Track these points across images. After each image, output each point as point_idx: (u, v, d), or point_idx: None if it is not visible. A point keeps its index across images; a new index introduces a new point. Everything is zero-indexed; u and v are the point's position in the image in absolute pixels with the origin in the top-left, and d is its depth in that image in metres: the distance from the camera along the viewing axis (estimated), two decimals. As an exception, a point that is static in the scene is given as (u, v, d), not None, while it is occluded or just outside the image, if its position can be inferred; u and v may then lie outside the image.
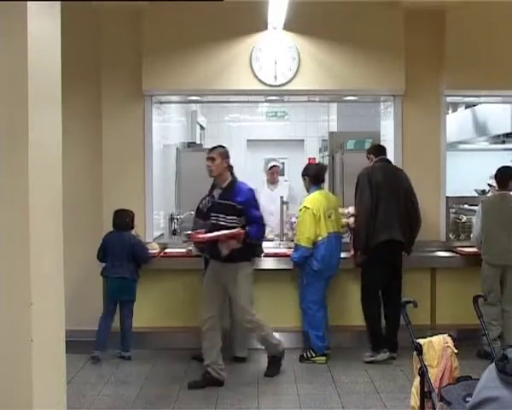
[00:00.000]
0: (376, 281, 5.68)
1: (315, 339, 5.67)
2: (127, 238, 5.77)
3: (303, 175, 5.89)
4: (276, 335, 5.54)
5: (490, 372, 1.79)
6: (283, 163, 11.07)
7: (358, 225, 5.68)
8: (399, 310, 5.62)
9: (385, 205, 5.60)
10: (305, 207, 5.62)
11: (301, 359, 5.71)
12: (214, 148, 5.22)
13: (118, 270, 5.71)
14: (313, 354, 5.67)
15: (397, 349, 5.71)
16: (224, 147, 5.25)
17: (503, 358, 1.75)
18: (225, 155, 5.16)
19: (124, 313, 5.79)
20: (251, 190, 5.19)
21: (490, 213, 5.69)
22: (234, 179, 5.17)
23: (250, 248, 5.13)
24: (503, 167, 5.90)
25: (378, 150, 5.98)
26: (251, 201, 5.12)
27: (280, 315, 6.06)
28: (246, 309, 5.14)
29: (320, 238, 5.58)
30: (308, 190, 5.82)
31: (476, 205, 6.35)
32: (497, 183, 5.84)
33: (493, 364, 1.78)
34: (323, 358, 5.66)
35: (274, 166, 7.67)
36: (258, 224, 5.10)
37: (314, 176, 5.80)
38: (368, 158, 5.98)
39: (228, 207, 5.04)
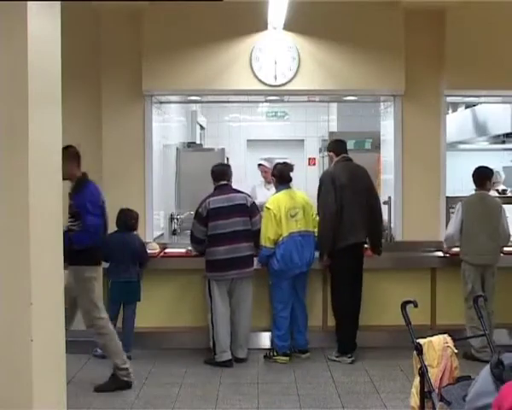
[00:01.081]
0: (346, 284, 5.64)
1: (275, 338, 5.70)
2: (132, 240, 5.75)
3: (271, 175, 6.01)
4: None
5: (487, 375, 1.78)
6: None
7: (323, 230, 5.60)
8: (359, 312, 5.68)
9: (350, 207, 5.56)
10: (266, 207, 5.67)
11: (264, 357, 5.73)
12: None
13: (123, 273, 5.68)
14: (275, 354, 5.69)
15: (355, 349, 5.71)
16: (71, 147, 4.90)
17: (499, 363, 1.73)
18: (72, 155, 4.88)
19: (127, 313, 5.78)
20: (92, 195, 4.93)
21: (469, 214, 5.68)
22: (80, 180, 4.93)
23: (82, 252, 4.83)
24: (480, 167, 5.91)
25: (339, 148, 5.86)
26: (86, 205, 4.83)
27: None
28: (87, 313, 4.96)
29: (281, 238, 5.59)
30: (276, 190, 5.86)
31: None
32: (475, 183, 5.83)
33: (490, 366, 1.77)
34: (285, 358, 5.66)
35: (260, 164, 7.70)
36: (87, 231, 4.83)
37: (279, 176, 5.83)
38: (328, 156, 5.92)
39: (69, 208, 4.87)
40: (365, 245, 5.75)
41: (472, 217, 5.67)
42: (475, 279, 5.65)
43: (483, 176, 5.81)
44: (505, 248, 5.91)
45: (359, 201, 5.62)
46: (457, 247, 5.83)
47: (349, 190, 5.58)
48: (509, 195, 7.81)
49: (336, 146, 5.90)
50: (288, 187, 5.81)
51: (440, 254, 6.17)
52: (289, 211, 5.63)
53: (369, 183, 5.77)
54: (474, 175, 5.85)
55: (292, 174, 5.91)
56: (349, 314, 5.69)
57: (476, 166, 5.91)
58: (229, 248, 5.49)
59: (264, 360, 5.71)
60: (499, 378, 1.70)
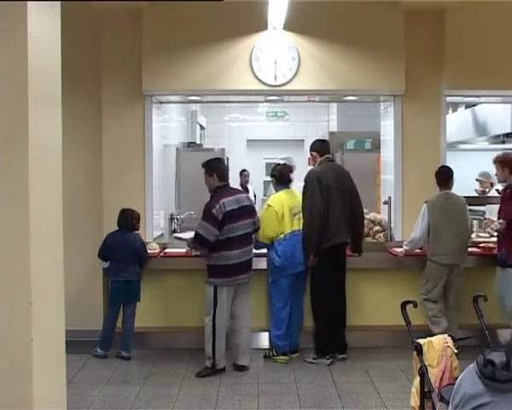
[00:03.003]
0: (328, 283, 5.64)
1: (274, 338, 5.71)
2: (133, 239, 5.76)
3: (270, 176, 6.04)
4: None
5: (473, 376, 1.76)
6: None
7: (310, 230, 5.56)
8: (345, 311, 5.68)
9: (335, 208, 5.58)
10: (268, 205, 5.73)
11: (265, 356, 5.74)
12: None
13: (123, 273, 5.69)
14: (274, 353, 5.70)
15: (346, 350, 5.72)
16: None
17: (487, 363, 1.72)
18: None
19: (127, 313, 5.79)
20: None
21: (435, 214, 5.69)
22: None
23: None
24: (442, 167, 5.95)
25: (323, 148, 5.87)
26: None
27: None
28: None
29: (282, 235, 5.62)
30: (275, 191, 5.91)
31: (477, 205, 6.33)
32: (438, 183, 5.84)
33: (474, 367, 1.75)
34: (284, 357, 5.67)
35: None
36: None
37: (279, 177, 5.87)
38: (311, 155, 5.86)
39: None
40: (347, 245, 5.75)
41: (438, 217, 5.69)
42: (439, 279, 5.69)
43: (446, 175, 5.83)
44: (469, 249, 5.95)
45: (343, 201, 5.65)
46: (420, 248, 5.85)
47: (334, 191, 5.60)
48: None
49: (320, 146, 5.89)
50: (288, 187, 5.84)
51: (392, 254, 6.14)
52: (292, 209, 5.66)
53: (351, 184, 5.78)
54: (436, 175, 5.87)
55: (292, 175, 5.93)
56: (328, 315, 5.66)
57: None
58: (241, 251, 5.34)
59: (264, 360, 5.71)
60: (491, 377, 1.69)
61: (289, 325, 5.73)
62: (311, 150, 5.91)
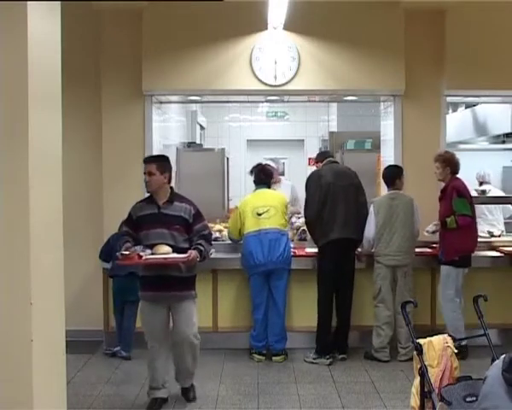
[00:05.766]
0: (328, 282, 5.67)
1: (250, 337, 5.80)
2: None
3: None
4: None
5: (497, 376, 1.75)
6: (283, 163, 11.11)
7: (308, 229, 5.84)
8: (349, 312, 5.70)
9: (333, 204, 5.63)
10: (236, 207, 6.08)
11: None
12: None
13: (127, 268, 5.66)
14: (252, 350, 5.79)
15: (347, 351, 5.74)
16: None
17: (510, 365, 1.70)
18: None
19: (127, 313, 5.77)
20: None
21: (380, 215, 5.68)
22: None
23: None
24: (388, 167, 5.98)
25: (323, 155, 6.11)
26: None
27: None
28: None
29: (246, 233, 5.75)
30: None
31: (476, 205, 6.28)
32: (386, 182, 5.88)
33: (500, 367, 1.74)
34: (260, 356, 5.72)
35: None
36: None
37: (255, 178, 6.03)
38: (316, 167, 6.03)
39: None
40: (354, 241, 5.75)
41: (383, 218, 5.68)
42: (384, 279, 5.69)
43: (392, 175, 5.84)
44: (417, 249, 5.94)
45: (346, 198, 5.68)
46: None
47: (334, 187, 5.66)
48: (503, 194, 7.74)
49: (321, 156, 6.15)
50: (262, 187, 5.94)
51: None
52: (257, 209, 5.75)
53: (356, 181, 5.82)
54: (383, 176, 5.91)
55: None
56: (327, 315, 5.69)
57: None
58: None
59: (263, 360, 5.71)
60: (510, 383, 1.67)
61: (266, 327, 5.76)
62: (315, 164, 6.15)
